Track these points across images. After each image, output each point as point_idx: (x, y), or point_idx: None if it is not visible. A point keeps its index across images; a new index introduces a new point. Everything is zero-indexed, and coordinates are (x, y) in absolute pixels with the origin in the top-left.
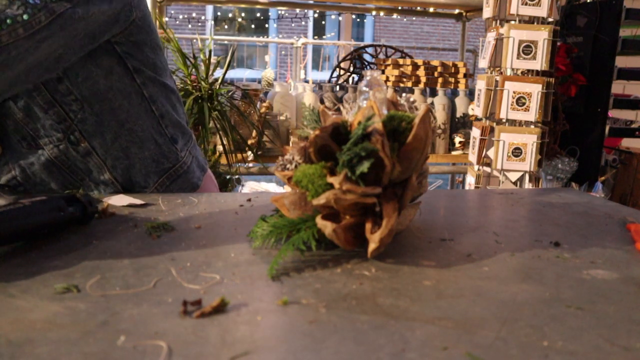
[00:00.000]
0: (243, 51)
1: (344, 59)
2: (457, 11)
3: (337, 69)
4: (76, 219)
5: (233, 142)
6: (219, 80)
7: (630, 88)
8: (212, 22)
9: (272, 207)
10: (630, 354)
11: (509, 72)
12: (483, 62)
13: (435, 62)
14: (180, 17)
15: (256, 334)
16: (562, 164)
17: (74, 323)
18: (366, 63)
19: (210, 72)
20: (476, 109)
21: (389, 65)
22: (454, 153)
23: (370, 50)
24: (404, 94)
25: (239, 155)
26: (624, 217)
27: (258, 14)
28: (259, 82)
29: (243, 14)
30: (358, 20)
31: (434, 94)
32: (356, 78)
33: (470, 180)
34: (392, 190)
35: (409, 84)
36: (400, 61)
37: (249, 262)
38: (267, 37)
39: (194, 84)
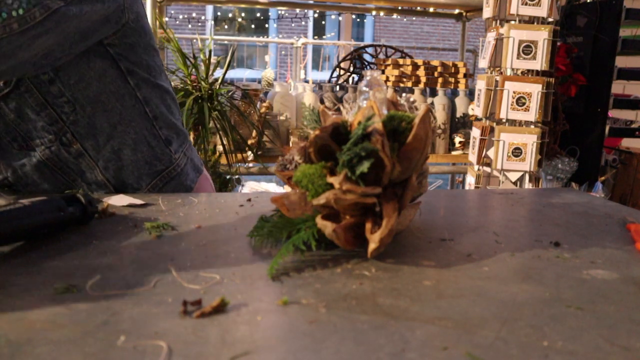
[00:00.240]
0: (243, 51)
1: (344, 59)
2: (457, 11)
3: (337, 69)
4: (76, 219)
5: (233, 142)
6: (219, 80)
7: (630, 88)
8: (212, 22)
9: (272, 207)
10: (630, 354)
11: (509, 72)
12: (483, 62)
13: (435, 62)
14: (180, 17)
15: (256, 334)
16: (562, 164)
17: (74, 323)
18: (366, 63)
19: (210, 72)
20: (476, 109)
21: (389, 65)
22: (454, 153)
23: (370, 50)
24: (404, 94)
25: (239, 155)
26: (624, 217)
27: (258, 14)
28: (259, 82)
29: (243, 14)
30: (358, 20)
31: (434, 94)
32: (356, 78)
33: (470, 180)
34: (392, 190)
35: (409, 84)
36: (400, 61)
37: (249, 262)
38: (267, 37)
39: (194, 84)
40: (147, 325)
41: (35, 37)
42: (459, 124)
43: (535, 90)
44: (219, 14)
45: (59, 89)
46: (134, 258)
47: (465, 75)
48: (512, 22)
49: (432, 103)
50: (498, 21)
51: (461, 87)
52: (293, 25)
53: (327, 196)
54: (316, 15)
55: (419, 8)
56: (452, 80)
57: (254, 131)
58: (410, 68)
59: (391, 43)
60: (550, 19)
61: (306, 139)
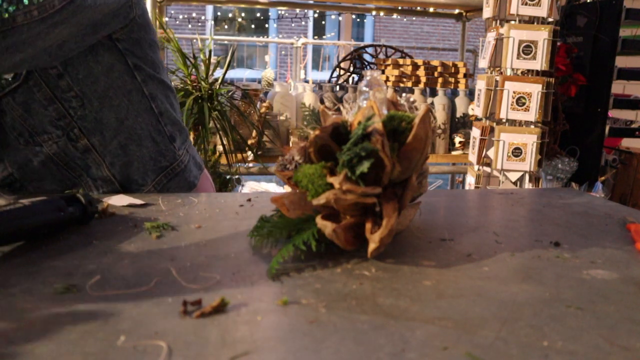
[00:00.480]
0: (243, 51)
1: (344, 59)
2: (457, 11)
3: (337, 69)
4: (76, 219)
5: (233, 142)
6: (219, 80)
7: (630, 88)
8: (212, 22)
9: (272, 207)
10: (630, 354)
11: (509, 72)
12: (483, 62)
13: (435, 62)
14: (180, 17)
15: (256, 334)
16: (562, 164)
17: (74, 323)
18: (366, 63)
19: (210, 72)
20: (476, 109)
21: (389, 65)
22: (454, 153)
23: (370, 50)
24: (404, 94)
25: (239, 155)
26: (624, 217)
27: (258, 14)
28: (259, 82)
29: (243, 14)
30: (358, 20)
31: (434, 94)
32: (356, 78)
33: (470, 180)
34: (392, 190)
35: (409, 84)
36: (400, 61)
37: (249, 262)
38: (267, 37)
39: (194, 84)
40: (147, 325)
41: (53, 26)
42: (459, 124)
43: (535, 90)
44: (219, 14)
45: (67, 84)
46: (134, 258)
47: (465, 75)
48: (512, 22)
49: (432, 103)
50: (498, 21)
51: (461, 87)
52: (293, 25)
53: (327, 196)
54: (316, 15)
55: (419, 8)
56: (452, 80)
57: (254, 131)
58: (410, 68)
59: (391, 43)
60: (550, 19)
61: (306, 139)
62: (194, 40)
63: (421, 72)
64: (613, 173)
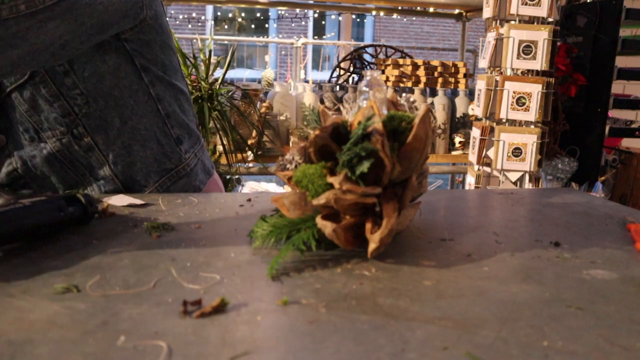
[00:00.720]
0: (243, 51)
1: (344, 59)
2: (457, 11)
3: (337, 69)
4: (76, 219)
5: (233, 142)
6: (219, 80)
7: (630, 88)
8: (212, 22)
9: (272, 207)
10: (630, 354)
11: (509, 72)
12: (483, 62)
13: (435, 62)
14: (180, 17)
15: (256, 334)
16: (562, 164)
17: (74, 323)
18: (366, 63)
19: (210, 72)
20: (476, 109)
21: (389, 65)
22: (454, 153)
23: (370, 50)
24: (404, 94)
25: (239, 155)
26: (624, 217)
27: (258, 14)
28: (259, 82)
29: (243, 14)
30: (358, 20)
31: (434, 94)
32: (356, 78)
33: (470, 180)
34: (392, 190)
35: (409, 84)
36: (400, 61)
37: (249, 262)
38: (267, 37)
39: (194, 84)
40: (147, 325)
41: (45, 21)
42: (459, 124)
43: (535, 90)
44: (219, 14)
45: (73, 81)
46: (134, 258)
47: (465, 75)
48: (512, 22)
49: (432, 103)
50: (498, 21)
51: (461, 87)
52: (293, 25)
53: (327, 196)
54: (316, 15)
55: (419, 8)
56: (452, 80)
57: (254, 131)
58: (410, 68)
59: (391, 43)
60: (550, 19)
61: (306, 139)
62: (194, 40)
63: (421, 72)
64: (613, 173)
